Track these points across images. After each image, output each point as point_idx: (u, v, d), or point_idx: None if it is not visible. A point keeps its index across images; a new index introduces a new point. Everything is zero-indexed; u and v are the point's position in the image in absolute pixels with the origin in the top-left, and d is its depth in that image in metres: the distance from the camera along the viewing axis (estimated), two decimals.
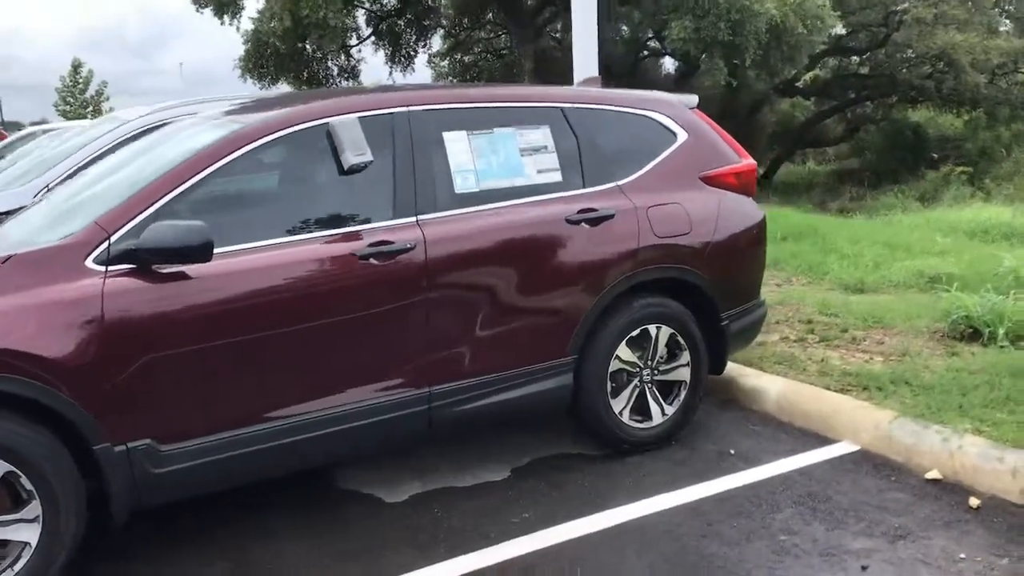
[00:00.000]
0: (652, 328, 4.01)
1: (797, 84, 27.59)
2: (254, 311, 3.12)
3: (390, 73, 27.55)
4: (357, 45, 25.65)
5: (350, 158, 3.33)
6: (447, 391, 3.51)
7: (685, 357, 4.14)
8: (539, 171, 3.81)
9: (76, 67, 43.58)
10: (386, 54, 26.26)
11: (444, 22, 26.48)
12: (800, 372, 4.88)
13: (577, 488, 3.77)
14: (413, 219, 3.46)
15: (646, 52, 25.82)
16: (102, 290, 2.87)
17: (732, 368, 4.92)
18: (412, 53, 26.54)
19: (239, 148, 3.22)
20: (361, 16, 24.83)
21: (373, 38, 25.90)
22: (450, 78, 28.01)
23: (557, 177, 3.84)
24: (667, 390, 4.17)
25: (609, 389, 3.95)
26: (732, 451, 4.12)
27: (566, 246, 3.75)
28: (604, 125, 4.07)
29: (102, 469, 2.88)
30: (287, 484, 3.67)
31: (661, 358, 4.11)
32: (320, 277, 3.25)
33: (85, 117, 41.70)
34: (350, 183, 3.44)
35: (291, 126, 3.35)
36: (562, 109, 3.95)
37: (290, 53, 22.67)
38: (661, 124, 4.19)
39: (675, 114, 4.25)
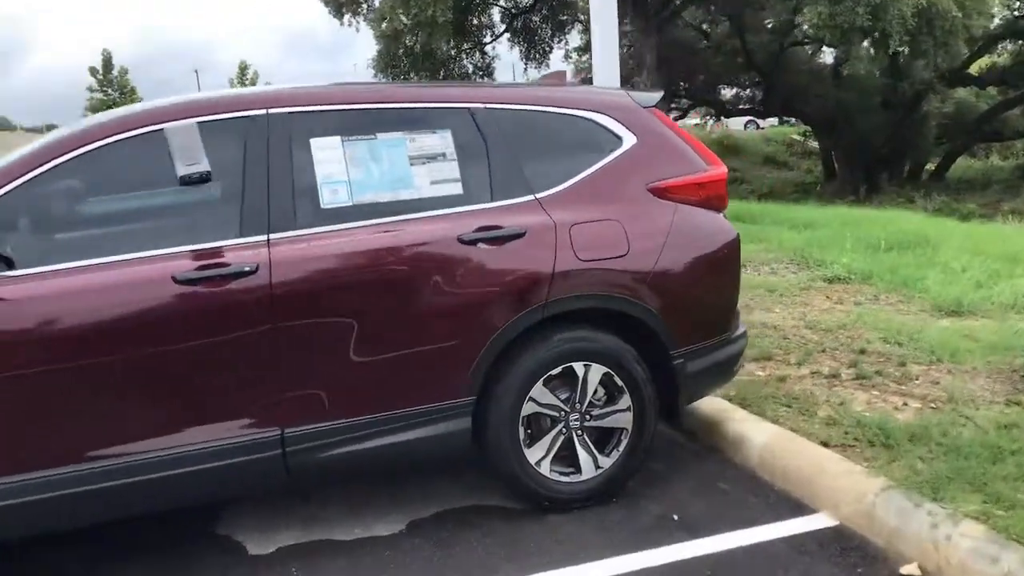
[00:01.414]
0: (578, 366, 3.40)
1: (968, 72, 24.99)
2: (57, 340, 2.79)
3: (525, 69, 27.34)
4: (491, 42, 25.53)
5: (180, 168, 2.95)
6: (305, 434, 3.06)
7: (625, 401, 3.49)
8: (433, 182, 3.27)
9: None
10: (521, 51, 25.97)
11: (581, 16, 25.86)
12: (803, 418, 4.09)
13: (467, 552, 3.22)
14: (263, 238, 3.02)
15: (793, 40, 24.12)
16: None
17: (724, 408, 4.20)
18: (547, 49, 26.08)
19: (56, 157, 2.90)
20: (496, 13, 24.67)
21: (508, 35, 25.68)
22: (587, 74, 27.35)
23: (456, 189, 3.29)
24: (604, 438, 3.54)
25: (522, 436, 3.38)
26: (676, 516, 3.43)
27: (457, 270, 3.20)
28: (525, 129, 3.47)
29: None
30: (170, 519, 3.37)
31: (596, 401, 3.49)
32: (133, 303, 2.87)
33: None
34: (190, 197, 3.06)
35: (121, 132, 2.99)
36: (470, 110, 3.39)
37: (424, 52, 22.80)
38: (603, 127, 3.55)
39: (623, 116, 3.59)
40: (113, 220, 3.14)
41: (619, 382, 3.46)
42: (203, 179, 2.98)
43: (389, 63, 23.14)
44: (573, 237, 3.32)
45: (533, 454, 3.41)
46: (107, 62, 50.91)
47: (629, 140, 3.55)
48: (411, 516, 3.50)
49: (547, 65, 28.82)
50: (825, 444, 3.77)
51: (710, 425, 4.14)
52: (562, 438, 3.45)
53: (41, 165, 2.88)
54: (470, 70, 25.64)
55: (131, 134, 2.99)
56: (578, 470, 3.48)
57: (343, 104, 3.27)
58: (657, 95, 3.78)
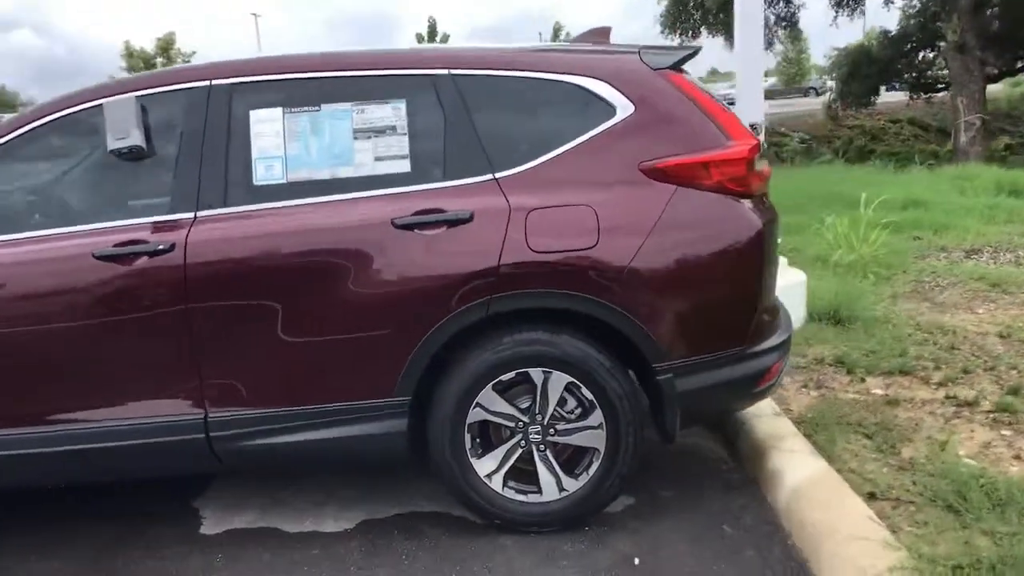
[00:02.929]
0: (536, 373, 2.95)
1: None
2: None
3: (835, 17, 25.03)
4: None
5: (111, 143, 2.93)
6: (228, 420, 2.95)
7: (596, 417, 2.98)
8: (378, 159, 2.96)
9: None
10: None
11: None
12: (875, 456, 3.29)
13: (390, 563, 2.94)
14: (190, 215, 2.93)
15: None
16: None
17: (781, 433, 3.48)
18: None
19: (9, 133, 3.01)
20: None
21: None
22: (912, 20, 24.37)
23: (403, 167, 2.96)
24: (576, 458, 3.07)
25: (469, 445, 3.01)
26: (638, 561, 2.88)
27: (389, 258, 2.88)
28: (496, 98, 3.03)
29: None
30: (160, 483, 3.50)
31: (567, 414, 3.02)
32: (54, 278, 2.91)
33: None
34: (124, 173, 3.02)
35: (67, 108, 3.02)
36: (432, 77, 3.02)
37: (718, 4, 21.62)
38: (593, 93, 2.99)
39: (622, 80, 3.01)
40: (53, 195, 3.21)
41: (588, 395, 2.96)
42: (135, 154, 2.95)
43: (678, 19, 22.30)
44: (529, 224, 2.86)
45: (483, 466, 3.03)
46: (432, 29, 52.48)
47: (625, 109, 2.98)
48: (368, 515, 3.28)
49: (861, 12, 26.18)
50: (872, 495, 2.98)
51: (758, 451, 3.45)
52: (519, 452, 3.04)
53: None
54: (771, 21, 24.05)
55: (75, 109, 3.02)
56: (537, 489, 3.05)
57: (290, 73, 3.05)
58: (679, 53, 3.13)
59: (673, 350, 2.93)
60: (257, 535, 3.21)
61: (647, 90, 3.00)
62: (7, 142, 3.01)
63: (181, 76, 3.06)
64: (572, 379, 2.95)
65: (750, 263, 2.99)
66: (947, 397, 3.86)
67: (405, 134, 2.97)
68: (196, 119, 2.97)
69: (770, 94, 47.74)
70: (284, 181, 2.95)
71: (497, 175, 2.93)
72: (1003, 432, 3.46)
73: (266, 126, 2.97)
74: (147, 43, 42.46)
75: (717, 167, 2.93)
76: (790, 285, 4.95)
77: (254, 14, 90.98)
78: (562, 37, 47.95)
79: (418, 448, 3.03)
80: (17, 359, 2.93)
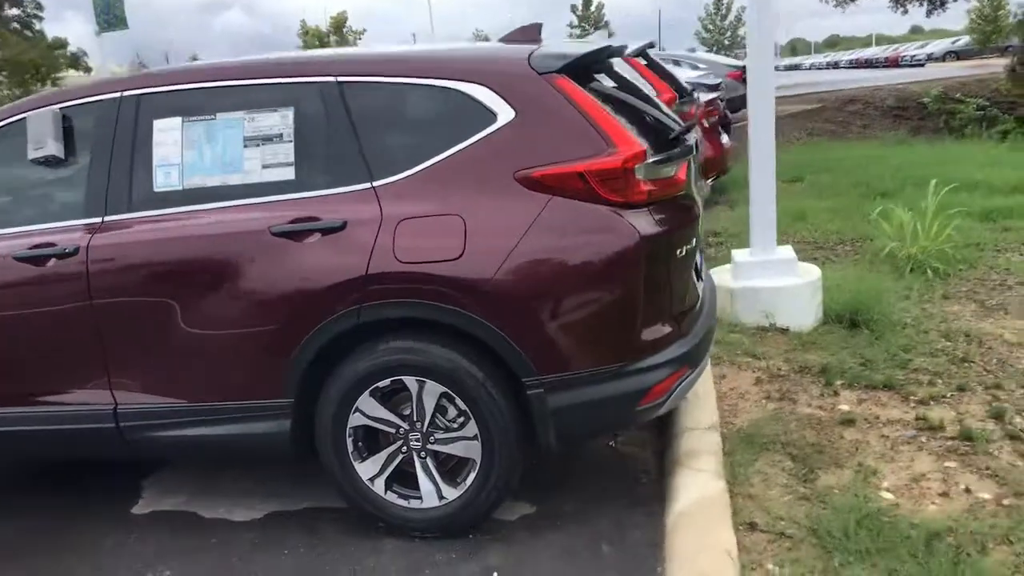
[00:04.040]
0: (410, 381, 2.96)
1: None
2: None
3: None
4: None
5: (30, 152, 3.16)
6: (134, 412, 3.15)
7: (471, 428, 2.97)
8: (265, 166, 3.03)
9: None
10: None
11: None
12: (786, 485, 3.08)
13: (270, 555, 3.07)
14: (99, 220, 3.13)
15: None
16: None
17: (700, 449, 3.33)
18: None
19: None
20: None
21: None
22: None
23: (288, 175, 3.01)
24: (458, 467, 3.07)
25: (351, 449, 3.07)
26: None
27: (267, 265, 2.96)
28: (381, 105, 3.02)
29: None
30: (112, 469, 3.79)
31: (446, 423, 3.02)
32: None
33: (722, 45, 44.00)
34: (45, 180, 3.27)
35: (14, 114, 3.29)
36: (319, 85, 3.05)
37: None
38: (475, 100, 2.92)
39: (504, 86, 2.92)
40: None
41: (462, 406, 2.95)
42: (52, 162, 3.17)
43: None
44: (398, 234, 2.86)
45: (365, 469, 3.08)
46: None
47: (505, 116, 2.90)
48: (280, 507, 3.41)
49: None
50: (753, 526, 2.82)
51: (673, 466, 3.31)
52: (400, 457, 3.07)
53: None
54: None
55: (5, 122, 3.29)
56: (420, 496, 3.07)
57: (190, 83, 3.17)
58: (570, 55, 3.00)
59: (543, 365, 2.85)
60: (176, 518, 3.42)
61: (530, 96, 2.91)
62: None
63: (96, 89, 3.26)
64: (445, 389, 2.94)
65: (627, 277, 2.85)
66: (916, 419, 3.54)
67: (291, 142, 3.03)
68: (107, 129, 3.15)
69: (963, 54, 43.96)
70: (180, 188, 3.09)
71: (375, 183, 2.94)
72: (947, 464, 3.15)
73: (167, 135, 3.11)
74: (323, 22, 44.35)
75: (593, 176, 2.81)
76: (799, 284, 4.66)
77: None
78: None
79: (310, 449, 3.12)
80: None
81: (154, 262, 3.06)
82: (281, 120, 3.05)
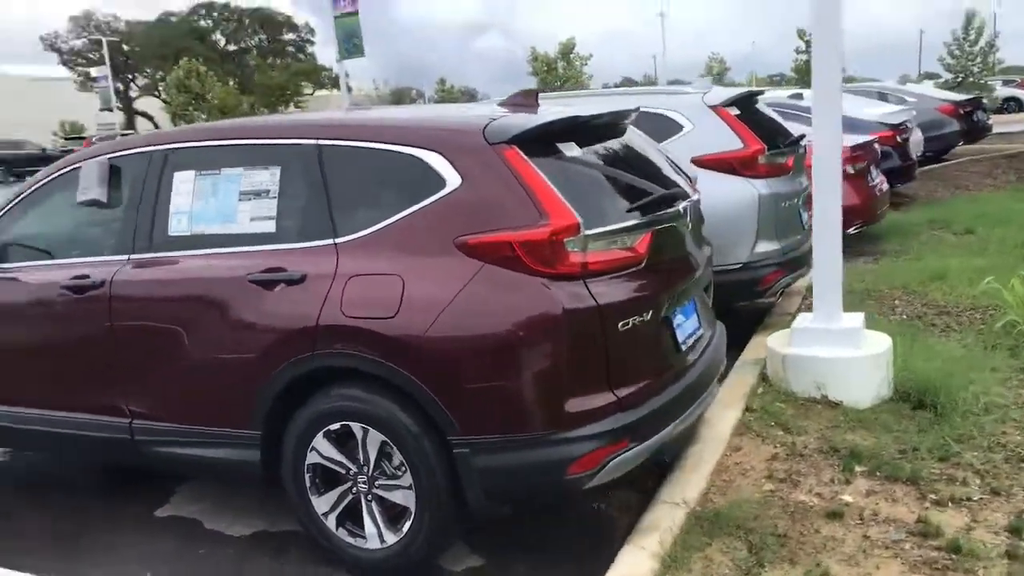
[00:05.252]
0: (356, 427, 3.13)
1: None
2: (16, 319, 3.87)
3: None
4: None
5: (79, 196, 3.67)
6: (143, 428, 3.56)
7: (407, 478, 3.09)
8: (253, 219, 3.33)
9: (970, 18, 41.49)
10: None
11: None
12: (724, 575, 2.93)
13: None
14: (125, 257, 3.58)
15: None
16: None
17: (659, 519, 3.24)
18: None
19: (35, 185, 3.94)
20: None
21: None
22: None
23: (270, 227, 3.29)
24: (400, 513, 3.19)
25: (308, 484, 3.28)
26: None
27: (242, 308, 3.25)
28: (348, 167, 3.21)
29: None
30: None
31: (391, 470, 3.16)
32: (34, 301, 3.76)
33: (971, 72, 39.49)
34: (95, 220, 3.76)
35: (62, 168, 3.85)
36: (300, 147, 3.31)
37: None
38: (428, 166, 3.05)
39: (455, 153, 3.02)
40: (46, 235, 4.02)
41: (399, 456, 3.07)
42: (96, 205, 3.67)
43: None
44: (347, 290, 3.05)
45: (319, 504, 3.28)
46: (969, 18, 44.73)
47: (453, 182, 3.01)
48: (268, 527, 3.69)
49: None
50: None
51: (626, 540, 3.23)
52: (350, 497, 3.24)
53: (36, 184, 3.95)
54: None
55: (66, 170, 3.87)
56: (363, 536, 3.23)
57: (205, 141, 3.57)
58: (523, 126, 3.04)
59: (467, 426, 2.92)
60: (184, 525, 3.81)
61: (475, 164, 3.00)
62: (30, 194, 3.93)
63: (136, 143, 3.74)
64: (385, 438, 3.08)
65: (548, 348, 2.86)
66: (917, 520, 3.21)
67: (275, 198, 3.31)
68: (139, 178, 3.61)
69: None
70: (188, 233, 3.46)
71: (337, 240, 3.15)
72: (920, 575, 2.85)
73: (184, 186, 3.51)
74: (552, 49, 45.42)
75: (520, 247, 2.85)
76: (857, 356, 4.33)
77: (660, 14, 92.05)
78: (976, 22, 41.59)
79: (279, 477, 3.38)
80: (17, 357, 3.85)
81: (155, 299, 3.48)
82: (270, 177, 3.33)
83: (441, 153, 3.05)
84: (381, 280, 3.02)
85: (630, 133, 3.72)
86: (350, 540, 3.26)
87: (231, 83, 55.08)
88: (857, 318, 4.55)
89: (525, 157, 2.98)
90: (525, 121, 3.09)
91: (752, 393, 4.47)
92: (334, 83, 41.28)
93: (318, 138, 3.30)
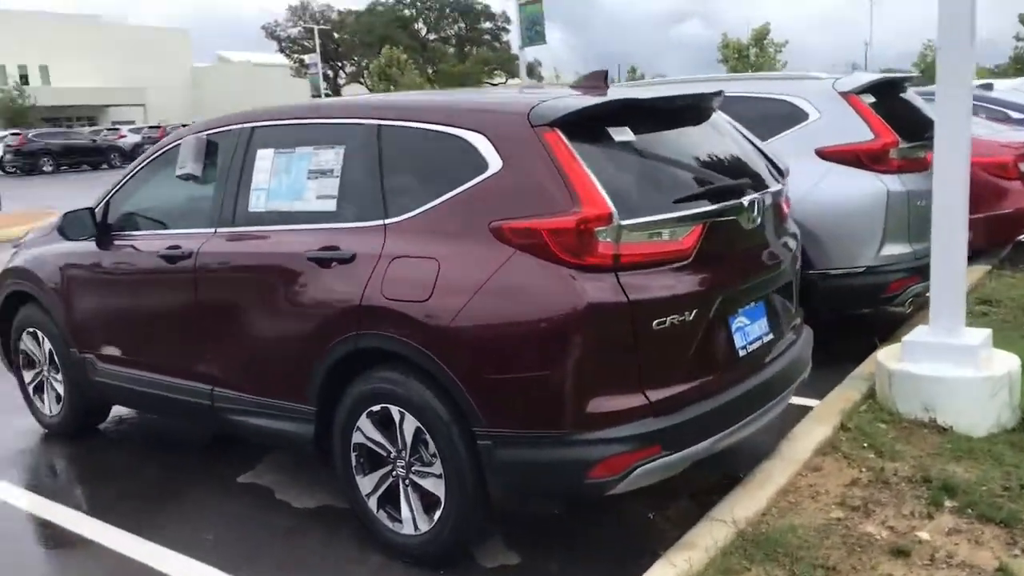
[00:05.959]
0: (394, 411, 3.14)
1: None
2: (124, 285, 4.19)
3: None
4: None
5: (177, 170, 3.91)
6: (221, 395, 3.74)
7: (438, 467, 3.06)
8: (318, 197, 3.39)
9: None
10: None
11: None
12: None
13: (273, 544, 3.46)
14: (212, 230, 3.77)
15: None
16: None
17: (702, 536, 3.05)
18: None
19: (148, 158, 4.24)
20: None
21: None
22: None
23: (331, 206, 3.35)
24: (433, 502, 3.16)
25: (354, 463, 3.33)
26: None
27: (301, 285, 3.34)
28: (406, 147, 3.21)
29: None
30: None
31: (427, 457, 3.13)
32: (138, 269, 4.04)
33: None
34: (191, 194, 3.97)
35: (167, 145, 4.11)
36: (361, 126, 3.34)
37: None
38: (474, 148, 2.99)
39: (500, 137, 2.94)
40: (153, 206, 4.28)
41: (431, 443, 3.05)
42: (191, 179, 3.89)
43: None
44: (388, 271, 3.06)
45: (364, 485, 3.32)
46: None
47: (495, 165, 2.94)
48: (332, 501, 3.75)
49: None
50: None
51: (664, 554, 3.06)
52: (390, 480, 3.25)
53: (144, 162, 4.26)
54: None
55: (170, 145, 4.13)
56: (400, 520, 3.24)
57: (284, 120, 3.68)
58: (571, 108, 2.91)
59: (491, 417, 2.86)
60: (259, 492, 3.98)
61: (517, 147, 2.92)
62: (144, 167, 4.23)
63: (227, 121, 3.91)
64: (420, 424, 3.07)
65: (571, 341, 2.74)
66: (997, 569, 2.83)
67: (337, 177, 3.37)
68: (228, 154, 3.79)
69: None
70: (264, 210, 3.60)
71: (387, 221, 3.17)
72: None
73: (264, 163, 3.65)
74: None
75: (549, 234, 2.75)
76: (972, 377, 3.87)
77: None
78: None
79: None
80: (125, 319, 4.17)
81: (232, 271, 3.64)
82: (335, 156, 3.40)
83: (485, 135, 2.99)
84: (419, 263, 3.01)
85: (713, 119, 3.50)
86: (388, 524, 3.28)
87: (429, 71, 57.36)
88: (981, 334, 4.06)
89: (566, 141, 2.86)
90: (572, 104, 2.97)
91: (853, 410, 4.10)
92: (529, 71, 42.01)
93: (378, 118, 3.33)
